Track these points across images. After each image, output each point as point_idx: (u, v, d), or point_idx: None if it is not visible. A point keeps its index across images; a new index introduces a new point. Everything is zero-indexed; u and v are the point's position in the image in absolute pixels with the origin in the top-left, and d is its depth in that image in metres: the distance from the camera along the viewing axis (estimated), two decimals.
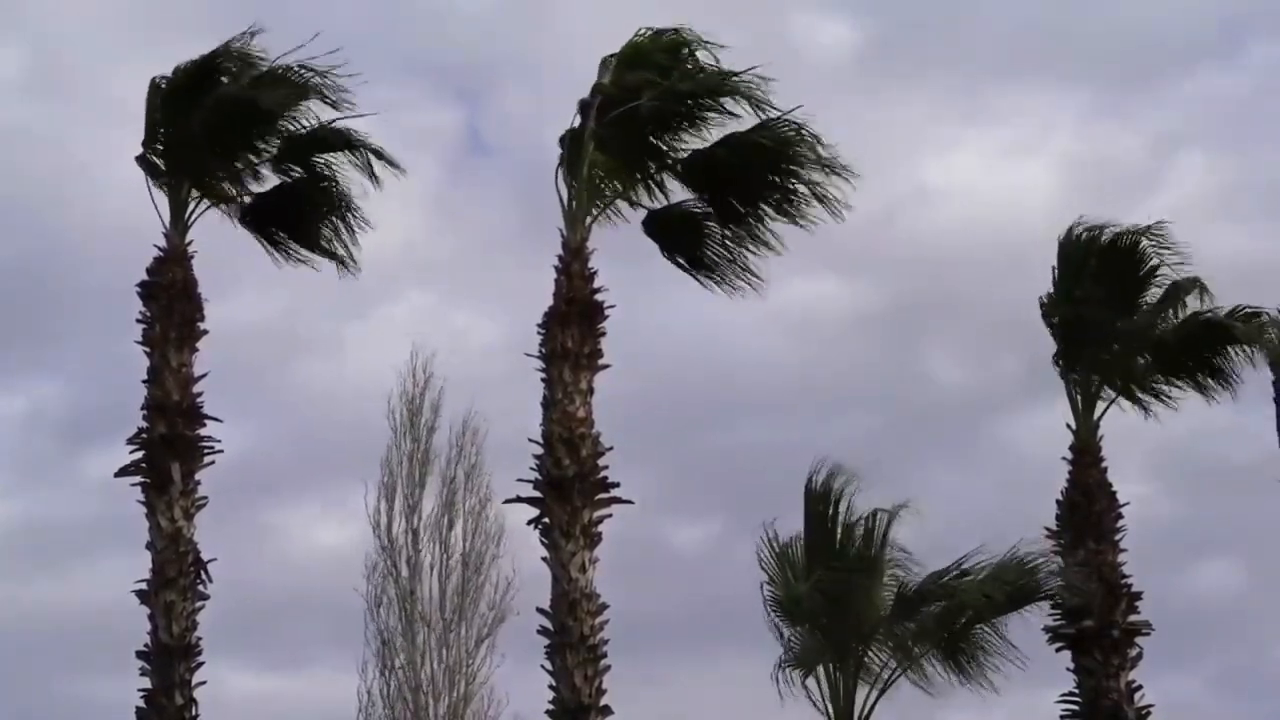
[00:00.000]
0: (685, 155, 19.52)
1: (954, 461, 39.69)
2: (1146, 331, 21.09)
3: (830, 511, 19.53)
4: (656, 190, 19.91)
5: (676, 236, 20.13)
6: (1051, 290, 21.18)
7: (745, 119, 19.17)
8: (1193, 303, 20.95)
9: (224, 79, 19.58)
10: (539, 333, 18.80)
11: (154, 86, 19.65)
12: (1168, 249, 21.04)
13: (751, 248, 19.91)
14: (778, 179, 19.38)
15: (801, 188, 19.30)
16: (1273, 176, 43.30)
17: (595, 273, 18.89)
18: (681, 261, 20.22)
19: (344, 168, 20.09)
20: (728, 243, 20.01)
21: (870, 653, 19.00)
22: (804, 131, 18.96)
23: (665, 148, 19.55)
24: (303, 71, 19.43)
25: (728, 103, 19.16)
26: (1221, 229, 40.97)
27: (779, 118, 18.97)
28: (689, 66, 19.27)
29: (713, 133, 19.38)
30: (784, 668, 19.03)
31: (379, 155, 19.82)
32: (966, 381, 42.25)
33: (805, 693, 19.00)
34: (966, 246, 40.27)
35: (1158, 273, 21.16)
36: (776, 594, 19.19)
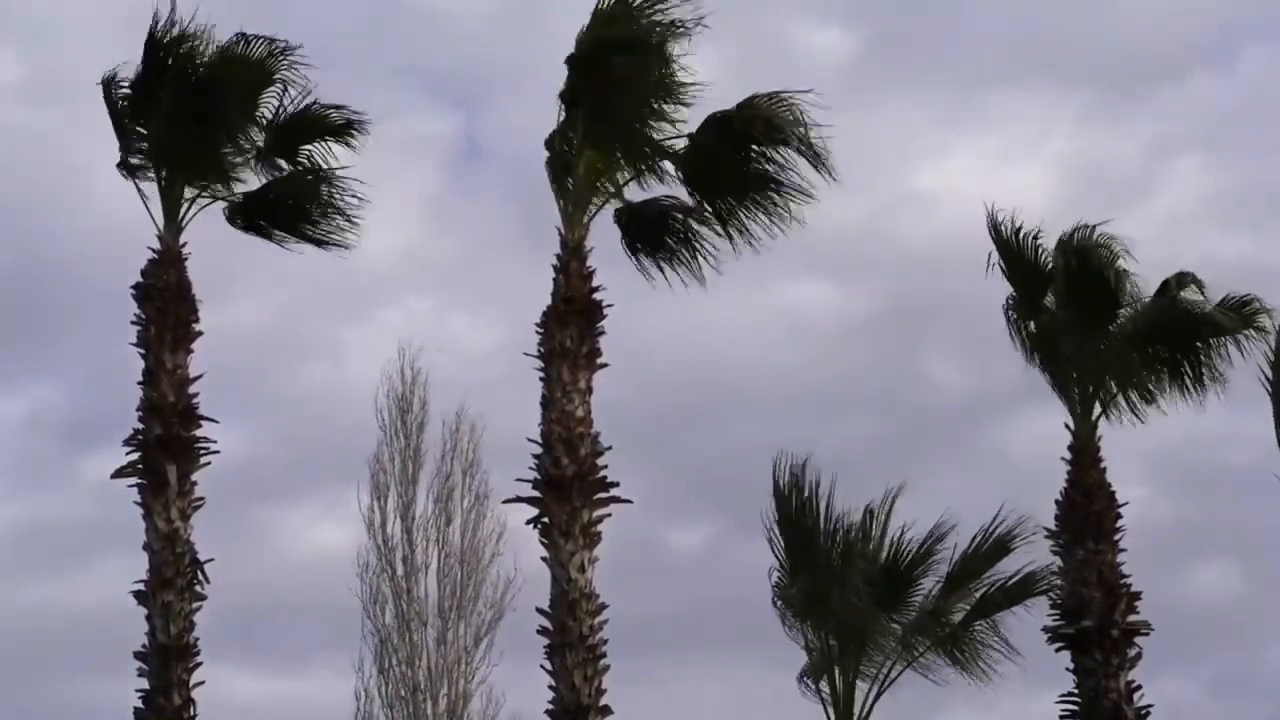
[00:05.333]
0: (672, 144, 19.32)
1: (952, 463, 39.59)
2: (1133, 331, 20.86)
3: (801, 511, 19.40)
4: (647, 184, 19.66)
5: (645, 231, 19.82)
6: (1013, 294, 21.01)
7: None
8: (1188, 299, 20.74)
9: (183, 64, 19.36)
10: (537, 332, 18.76)
11: (108, 85, 19.54)
12: (1120, 249, 20.75)
13: (736, 237, 19.72)
14: (764, 154, 19.19)
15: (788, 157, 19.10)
16: (1268, 181, 43.21)
17: (593, 271, 18.85)
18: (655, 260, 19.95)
19: (331, 151, 20.17)
20: (713, 235, 19.77)
21: (868, 650, 18.96)
22: (787, 104, 18.80)
23: (651, 137, 19.31)
24: (260, 46, 19.42)
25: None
26: (1217, 234, 41.00)
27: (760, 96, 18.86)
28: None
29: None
30: (806, 677, 19.00)
31: (353, 128, 19.90)
32: (964, 384, 42.18)
33: (820, 698, 18.99)
34: (963, 250, 40.17)
35: (1123, 277, 20.87)
36: (783, 585, 19.10)
